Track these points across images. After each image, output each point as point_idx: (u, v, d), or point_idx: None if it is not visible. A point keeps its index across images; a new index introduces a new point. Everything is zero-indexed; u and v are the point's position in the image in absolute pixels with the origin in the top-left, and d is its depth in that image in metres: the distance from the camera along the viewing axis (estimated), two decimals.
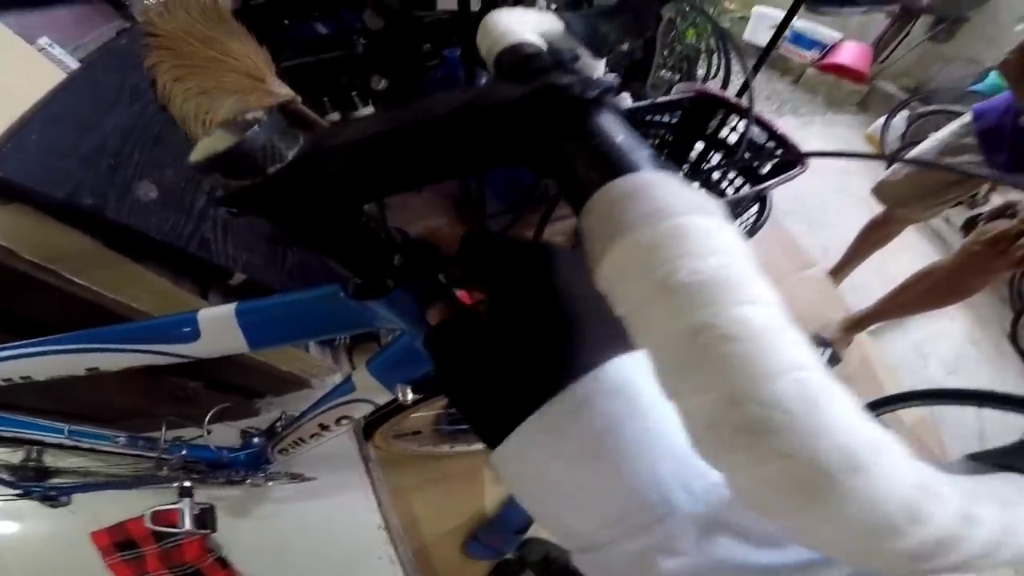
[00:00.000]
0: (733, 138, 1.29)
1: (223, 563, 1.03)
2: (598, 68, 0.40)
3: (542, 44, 0.27)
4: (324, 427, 0.70)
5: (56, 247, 0.61)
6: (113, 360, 0.40)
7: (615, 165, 0.18)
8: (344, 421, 0.66)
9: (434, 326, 0.27)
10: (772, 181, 1.09)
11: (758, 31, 3.21)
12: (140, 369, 1.07)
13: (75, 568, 1.01)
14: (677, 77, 2.28)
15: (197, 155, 0.20)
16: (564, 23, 0.34)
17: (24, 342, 0.44)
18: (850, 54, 3.12)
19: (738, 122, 1.25)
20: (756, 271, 0.15)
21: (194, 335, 0.39)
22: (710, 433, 0.13)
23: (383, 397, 0.57)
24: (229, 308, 0.37)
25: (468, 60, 1.09)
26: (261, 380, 1.32)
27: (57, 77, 0.65)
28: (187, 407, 1.08)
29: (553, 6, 1.15)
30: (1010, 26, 2.48)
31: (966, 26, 2.79)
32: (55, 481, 0.95)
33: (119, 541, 1.04)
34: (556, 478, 0.20)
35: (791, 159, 1.12)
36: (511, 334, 0.22)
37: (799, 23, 3.14)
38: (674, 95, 1.30)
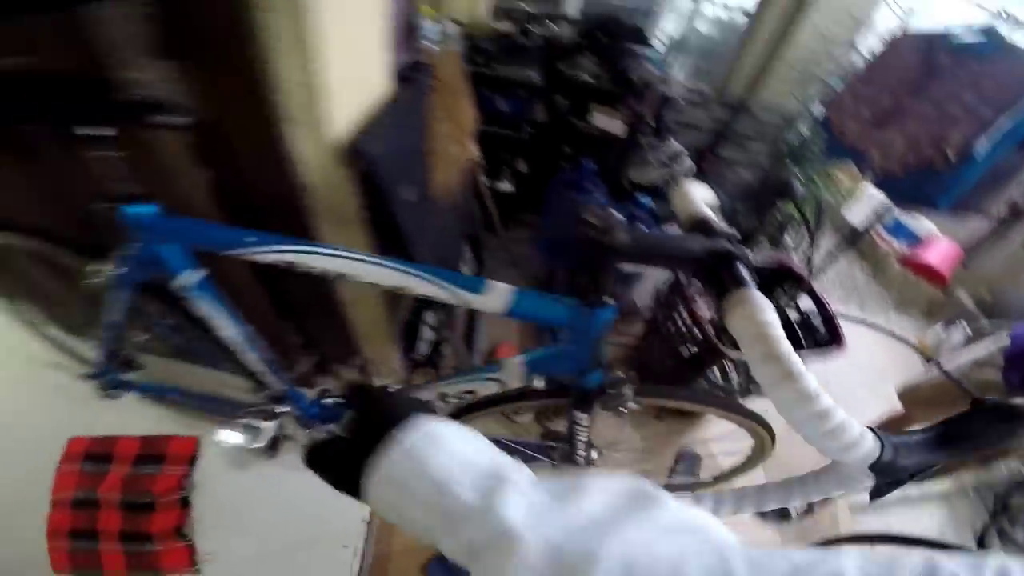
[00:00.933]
0: (788, 305, 1.49)
1: (184, 503, 1.06)
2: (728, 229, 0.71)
3: (710, 213, 0.62)
4: (444, 397, 0.89)
5: (336, 198, 0.94)
6: (414, 285, 0.66)
7: (741, 282, 0.51)
8: (466, 395, 0.87)
9: (307, 447, 0.41)
10: (807, 352, 1.30)
11: (859, 211, 2.91)
12: (278, 311, 1.29)
13: (27, 459, 1.07)
14: (767, 240, 2.56)
15: (585, 215, 0.54)
16: (719, 200, 0.70)
17: (367, 253, 0.68)
18: (938, 254, 2.90)
19: (799, 296, 1.48)
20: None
21: (478, 290, 0.66)
22: (767, 369, 0.44)
23: (514, 383, 0.80)
24: (511, 287, 0.66)
25: (607, 178, 1.48)
26: (347, 358, 1.59)
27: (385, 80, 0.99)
28: (275, 353, 1.16)
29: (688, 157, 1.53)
30: None
31: None
32: (136, 377, 1.17)
33: (95, 453, 1.08)
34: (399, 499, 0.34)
35: (831, 340, 1.38)
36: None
37: (898, 212, 2.91)
38: (761, 260, 1.61)
